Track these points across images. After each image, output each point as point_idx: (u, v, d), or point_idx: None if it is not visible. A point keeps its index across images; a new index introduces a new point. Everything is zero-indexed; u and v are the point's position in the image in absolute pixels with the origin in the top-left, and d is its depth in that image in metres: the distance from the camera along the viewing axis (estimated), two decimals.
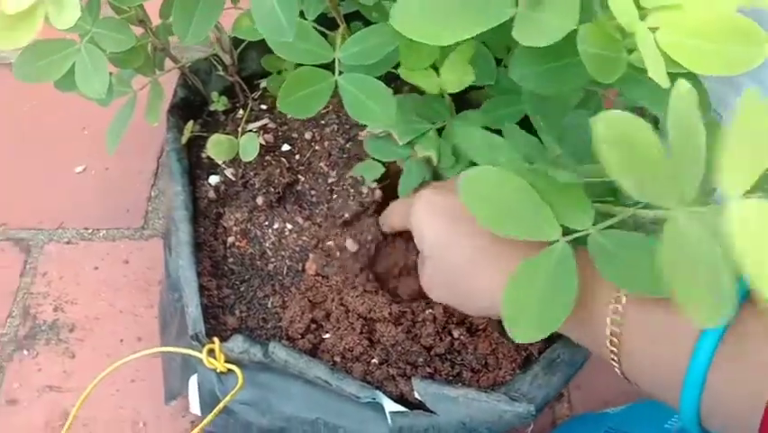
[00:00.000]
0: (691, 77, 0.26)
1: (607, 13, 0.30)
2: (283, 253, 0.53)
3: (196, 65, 0.60)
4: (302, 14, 0.44)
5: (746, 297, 0.30)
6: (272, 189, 0.54)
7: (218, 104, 0.59)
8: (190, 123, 0.57)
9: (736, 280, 0.23)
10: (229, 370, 0.46)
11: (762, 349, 0.29)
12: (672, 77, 0.25)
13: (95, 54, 0.44)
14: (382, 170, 0.51)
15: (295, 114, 0.45)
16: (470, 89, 0.47)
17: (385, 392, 0.45)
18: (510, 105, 0.46)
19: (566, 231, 0.34)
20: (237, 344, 0.46)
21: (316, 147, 0.56)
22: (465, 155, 0.46)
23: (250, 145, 0.53)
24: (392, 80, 0.45)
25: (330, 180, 0.54)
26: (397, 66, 0.44)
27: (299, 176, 0.55)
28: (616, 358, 0.34)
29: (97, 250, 0.69)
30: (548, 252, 0.34)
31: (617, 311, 0.34)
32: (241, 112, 0.59)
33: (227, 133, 0.54)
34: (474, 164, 0.37)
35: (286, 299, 0.51)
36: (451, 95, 0.47)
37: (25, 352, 0.63)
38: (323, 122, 0.57)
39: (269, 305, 0.51)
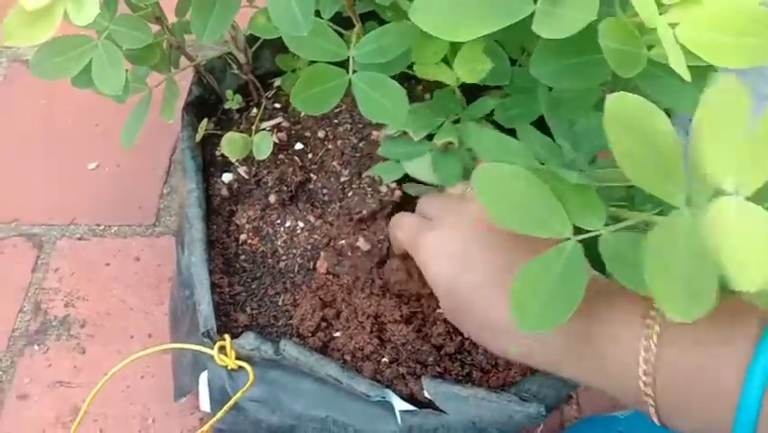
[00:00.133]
0: (712, 70, 0.26)
1: (626, 9, 0.30)
2: (295, 251, 0.53)
3: (210, 63, 0.60)
4: (318, 14, 0.45)
5: None
6: (285, 188, 0.54)
7: (232, 102, 0.60)
8: (205, 121, 0.57)
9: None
10: (240, 367, 0.46)
11: None
12: (693, 70, 0.25)
13: (112, 51, 0.44)
14: (403, 170, 0.50)
15: (308, 110, 0.45)
16: (483, 90, 0.47)
17: (395, 391, 0.45)
18: (524, 106, 0.46)
19: (577, 231, 0.34)
20: (248, 341, 0.46)
21: (329, 146, 0.56)
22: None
23: (263, 144, 0.53)
24: (405, 80, 0.45)
25: (342, 179, 0.54)
26: (410, 66, 0.44)
27: (312, 174, 0.55)
28: (652, 396, 0.33)
29: (109, 246, 0.70)
30: (558, 249, 0.34)
31: (648, 349, 0.33)
32: (255, 110, 0.59)
33: (241, 132, 0.54)
34: None
35: (297, 297, 0.51)
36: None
37: (36, 347, 0.64)
38: (336, 121, 0.57)
39: (281, 303, 0.51)
